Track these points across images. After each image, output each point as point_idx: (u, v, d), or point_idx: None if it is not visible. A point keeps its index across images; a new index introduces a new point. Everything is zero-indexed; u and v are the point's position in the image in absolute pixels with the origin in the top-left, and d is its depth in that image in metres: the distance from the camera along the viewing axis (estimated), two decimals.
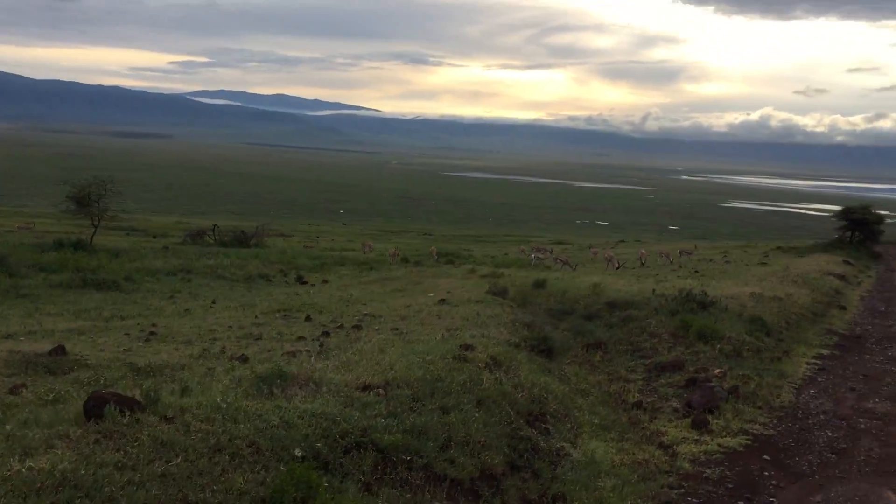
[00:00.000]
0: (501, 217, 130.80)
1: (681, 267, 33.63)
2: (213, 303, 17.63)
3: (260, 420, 5.59)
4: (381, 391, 6.94)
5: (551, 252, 42.70)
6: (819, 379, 12.14)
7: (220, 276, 24.06)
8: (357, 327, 12.34)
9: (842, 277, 26.88)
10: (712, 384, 10.15)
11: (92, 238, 30.35)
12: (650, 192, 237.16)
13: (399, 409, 6.51)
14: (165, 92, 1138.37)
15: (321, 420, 5.81)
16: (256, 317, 14.53)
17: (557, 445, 7.33)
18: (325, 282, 24.85)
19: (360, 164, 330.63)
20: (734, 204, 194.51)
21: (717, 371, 11.21)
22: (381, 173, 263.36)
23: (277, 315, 14.74)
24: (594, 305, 16.69)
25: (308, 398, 6.35)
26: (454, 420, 6.55)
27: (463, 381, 7.50)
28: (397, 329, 11.94)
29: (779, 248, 47.90)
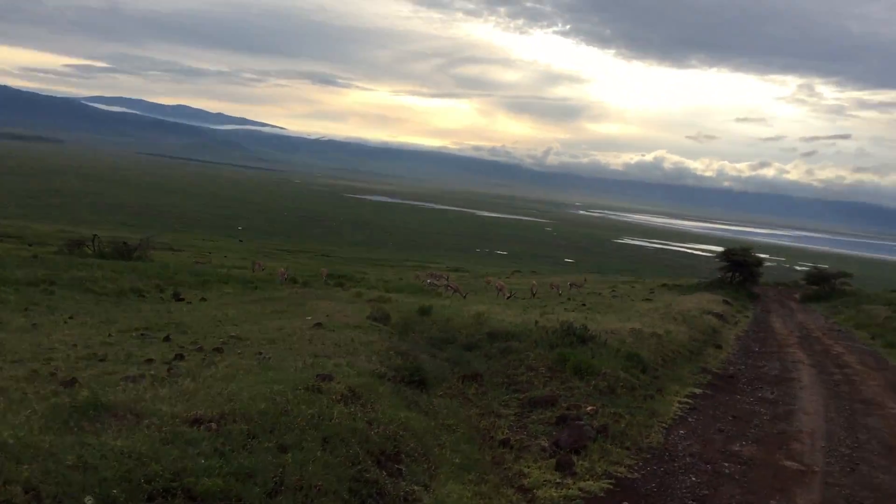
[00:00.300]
0: (403, 242, 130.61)
1: (569, 299, 33.91)
2: (70, 318, 16.33)
3: (52, 460, 4.82)
4: (213, 425, 6.24)
5: (447, 279, 42.45)
6: (689, 419, 12.07)
7: (88, 290, 22.51)
8: (218, 350, 11.51)
9: (720, 317, 27.55)
10: (582, 422, 9.86)
11: None
12: (549, 224, 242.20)
13: (228, 448, 5.83)
14: (59, 95, 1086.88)
15: (127, 460, 5.08)
16: (110, 335, 13.42)
17: (408, 489, 6.77)
18: (203, 300, 23.67)
19: (263, 182, 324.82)
20: (627, 240, 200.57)
21: (590, 408, 10.96)
22: (283, 192, 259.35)
23: (135, 334, 13.67)
24: (476, 335, 16.36)
25: (122, 433, 5.60)
26: (290, 460, 5.90)
27: (311, 415, 6.86)
28: (261, 354, 11.19)
29: (664, 285, 49.23)
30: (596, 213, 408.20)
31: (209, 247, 79.39)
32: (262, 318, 17.61)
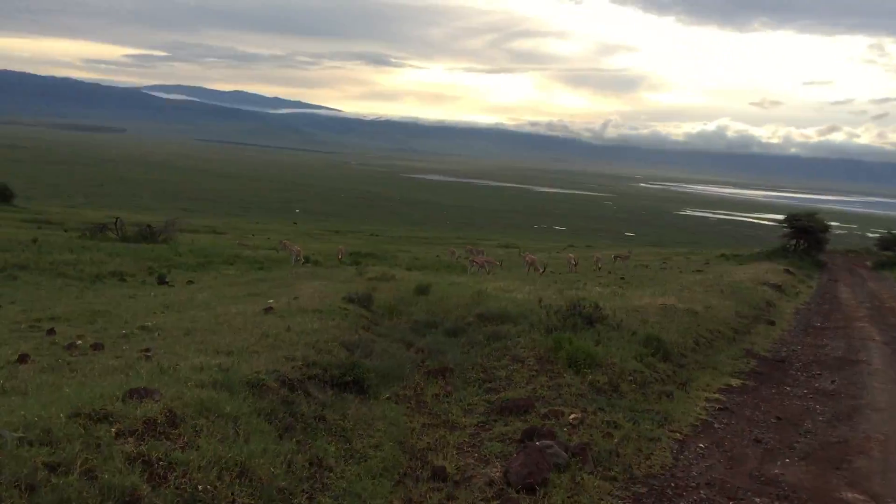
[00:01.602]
0: (459, 220, 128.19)
1: (609, 273, 30.83)
2: None
3: None
4: None
5: (483, 254, 39.71)
6: (716, 425, 9.14)
7: (61, 274, 20.54)
8: (97, 347, 9.08)
9: (778, 288, 24.18)
10: (549, 442, 7.04)
11: None
12: (608, 198, 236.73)
13: None
14: (120, 85, 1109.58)
15: None
16: None
17: None
18: (190, 282, 21.52)
19: (320, 164, 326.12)
20: (689, 212, 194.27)
21: (572, 416, 8.15)
22: (340, 173, 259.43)
23: (24, 325, 11.37)
24: (465, 318, 13.64)
25: None
26: None
27: (47, 463, 4.26)
28: (148, 351, 8.72)
29: (722, 255, 45.65)
30: (657, 186, 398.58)
31: (258, 229, 78.26)
32: (226, 302, 15.20)
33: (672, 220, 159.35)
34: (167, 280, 21.62)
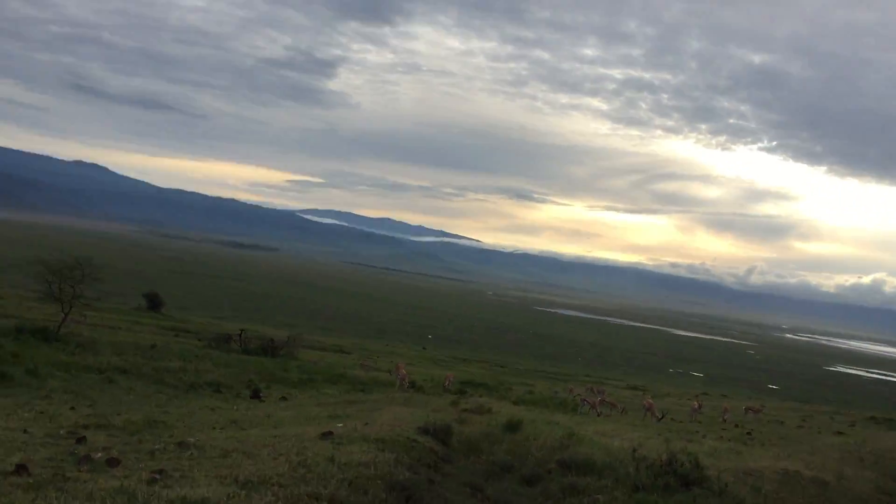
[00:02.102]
0: (591, 357, 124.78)
1: (736, 426, 28.04)
2: (72, 408, 13.97)
3: None
4: None
5: (602, 395, 37.57)
6: None
7: (159, 381, 20.53)
8: (113, 462, 8.35)
9: None
10: None
11: (60, 326, 27.28)
12: (751, 347, 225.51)
13: None
14: (278, 208, 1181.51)
15: None
16: (28, 429, 10.65)
17: None
18: (283, 398, 21.05)
19: (457, 292, 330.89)
20: (840, 368, 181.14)
21: None
22: (476, 302, 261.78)
23: (62, 431, 10.88)
24: (546, 463, 12.13)
25: None
26: None
27: None
28: (161, 472, 7.88)
29: (872, 418, 41.09)
30: (805, 338, 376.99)
31: (386, 351, 78.69)
32: (302, 422, 14.40)
33: (820, 376, 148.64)
34: (261, 395, 21.21)
